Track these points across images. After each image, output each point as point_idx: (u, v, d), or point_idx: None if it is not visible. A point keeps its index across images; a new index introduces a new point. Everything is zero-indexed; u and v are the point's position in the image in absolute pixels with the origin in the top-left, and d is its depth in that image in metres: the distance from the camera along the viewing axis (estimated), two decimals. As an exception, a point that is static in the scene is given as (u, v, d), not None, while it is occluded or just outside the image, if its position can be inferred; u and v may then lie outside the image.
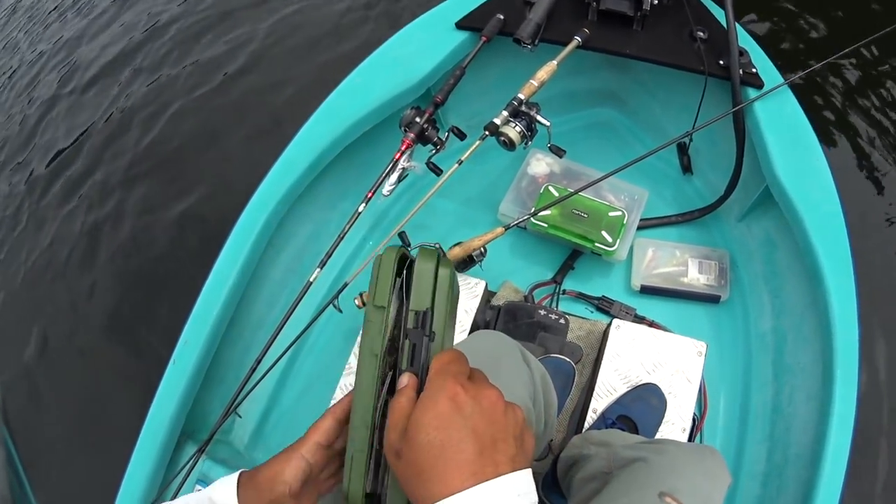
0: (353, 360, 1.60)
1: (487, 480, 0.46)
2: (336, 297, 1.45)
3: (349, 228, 1.41)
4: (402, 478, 0.50)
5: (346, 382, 1.57)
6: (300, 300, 1.31)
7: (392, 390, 0.59)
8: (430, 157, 1.45)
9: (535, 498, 0.49)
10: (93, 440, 1.98)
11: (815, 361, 1.37)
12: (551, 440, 1.46)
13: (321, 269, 1.41)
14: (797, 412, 1.41)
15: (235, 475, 0.63)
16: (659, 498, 0.78)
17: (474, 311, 1.51)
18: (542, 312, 1.56)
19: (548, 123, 1.40)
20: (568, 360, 1.48)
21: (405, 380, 0.56)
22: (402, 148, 1.41)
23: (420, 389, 0.54)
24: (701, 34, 1.51)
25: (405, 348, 0.59)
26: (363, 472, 0.57)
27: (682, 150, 1.84)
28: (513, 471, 0.48)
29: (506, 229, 1.41)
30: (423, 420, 0.49)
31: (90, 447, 1.96)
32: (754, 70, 1.47)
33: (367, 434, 0.58)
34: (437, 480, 0.47)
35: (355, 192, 1.71)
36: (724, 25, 1.44)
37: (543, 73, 1.42)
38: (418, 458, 0.48)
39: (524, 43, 1.51)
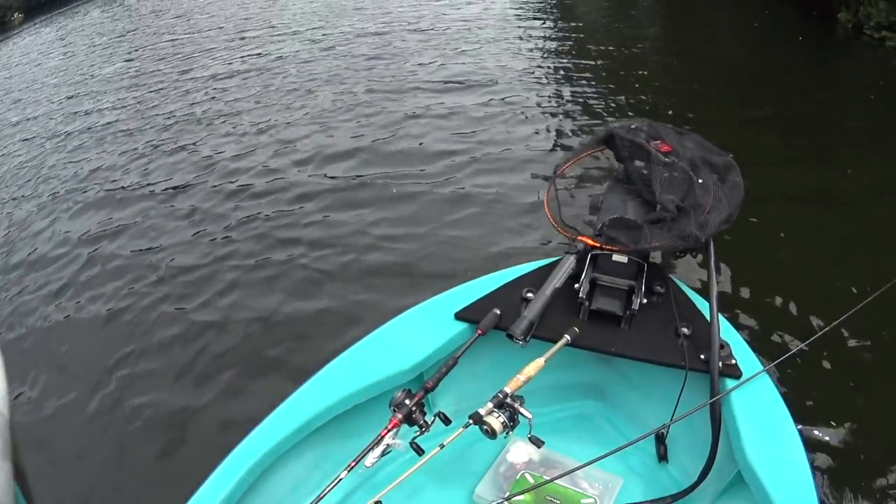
0: None
1: None
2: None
3: (328, 491, 1.43)
4: None
5: None
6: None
7: None
8: (415, 438, 1.52)
9: None
10: None
11: None
12: None
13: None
14: None
15: None
16: None
17: None
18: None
19: (529, 416, 1.49)
20: None
21: None
22: (390, 427, 1.49)
23: None
24: (685, 331, 1.65)
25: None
26: None
27: (660, 439, 1.87)
28: None
29: (480, 513, 1.42)
30: None
31: None
32: (733, 361, 1.58)
33: None
34: None
35: (339, 457, 1.74)
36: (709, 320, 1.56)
37: (531, 370, 1.55)
38: None
39: (517, 339, 1.65)
